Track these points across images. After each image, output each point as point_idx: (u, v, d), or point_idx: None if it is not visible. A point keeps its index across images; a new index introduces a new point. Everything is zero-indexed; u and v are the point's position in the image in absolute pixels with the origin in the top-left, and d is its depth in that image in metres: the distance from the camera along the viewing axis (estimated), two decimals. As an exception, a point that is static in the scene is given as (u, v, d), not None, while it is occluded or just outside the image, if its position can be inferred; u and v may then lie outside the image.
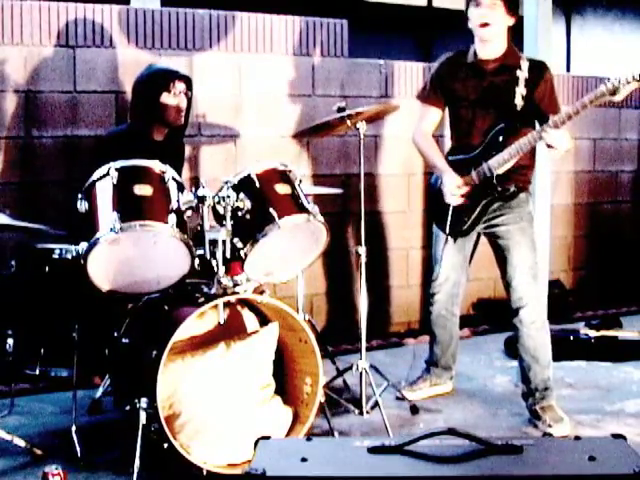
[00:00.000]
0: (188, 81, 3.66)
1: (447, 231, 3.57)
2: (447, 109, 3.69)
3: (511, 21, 3.46)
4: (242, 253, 2.97)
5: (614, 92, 3.18)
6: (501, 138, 3.44)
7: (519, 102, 3.44)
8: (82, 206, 2.90)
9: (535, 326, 3.52)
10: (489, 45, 3.48)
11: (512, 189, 3.50)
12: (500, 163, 3.42)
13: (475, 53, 3.53)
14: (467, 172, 3.50)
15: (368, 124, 3.55)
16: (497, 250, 3.61)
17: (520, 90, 3.43)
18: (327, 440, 2.79)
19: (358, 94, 4.89)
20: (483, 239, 3.72)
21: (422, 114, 3.71)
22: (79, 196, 2.91)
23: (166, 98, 3.56)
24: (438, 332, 3.87)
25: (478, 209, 3.51)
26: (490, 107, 3.50)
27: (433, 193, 3.66)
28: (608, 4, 10.57)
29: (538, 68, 3.48)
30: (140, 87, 3.63)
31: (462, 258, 3.73)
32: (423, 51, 9.01)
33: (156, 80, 3.59)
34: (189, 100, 3.67)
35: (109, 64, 4.18)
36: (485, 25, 3.41)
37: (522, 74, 3.44)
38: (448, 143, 3.85)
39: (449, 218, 3.52)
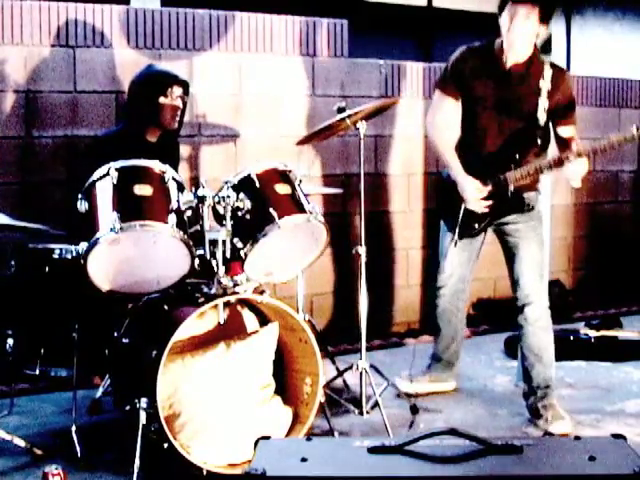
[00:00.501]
0: (186, 86, 3.66)
1: (456, 234, 3.57)
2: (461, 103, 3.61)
3: (542, 29, 3.41)
4: (242, 253, 2.97)
5: None
6: (518, 154, 3.42)
7: (542, 116, 3.41)
8: (82, 206, 2.90)
9: (540, 324, 3.52)
10: (516, 51, 3.43)
11: (525, 207, 3.49)
12: (518, 179, 3.41)
13: (500, 54, 3.47)
14: (479, 177, 3.48)
15: (368, 123, 3.54)
16: (506, 247, 3.61)
17: (543, 103, 3.40)
18: (327, 440, 2.78)
19: (358, 94, 4.89)
20: (489, 238, 3.72)
21: (439, 104, 3.62)
22: (79, 196, 2.91)
23: (163, 101, 3.55)
24: (443, 326, 3.88)
25: (489, 218, 3.52)
26: (510, 116, 3.45)
27: (445, 189, 3.64)
28: (608, 4, 10.55)
29: (560, 78, 3.45)
30: (137, 88, 3.62)
31: (468, 255, 3.73)
32: (423, 51, 8.99)
33: (154, 83, 3.59)
34: (184, 104, 3.67)
35: (109, 64, 4.18)
36: (517, 34, 3.37)
37: (545, 84, 3.40)
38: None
39: (459, 221, 3.53)
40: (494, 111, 3.48)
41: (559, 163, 3.33)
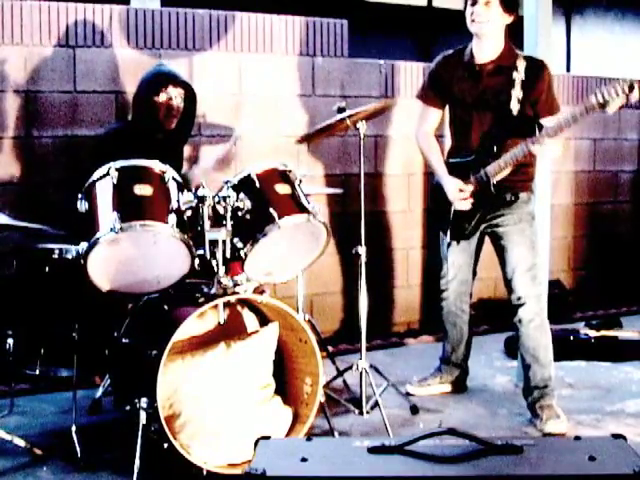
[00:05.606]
0: (186, 87, 3.63)
1: (449, 236, 3.59)
2: (447, 108, 3.70)
3: (509, 19, 3.45)
4: (242, 253, 2.97)
5: (604, 105, 3.14)
6: (496, 146, 3.44)
7: (515, 106, 3.43)
8: (82, 206, 2.90)
9: (533, 325, 3.52)
10: (485, 43, 3.47)
11: (509, 197, 3.50)
12: (496, 171, 3.43)
13: (472, 53, 3.53)
14: (465, 176, 3.51)
15: (368, 123, 3.54)
16: (497, 250, 3.63)
17: (516, 93, 3.42)
18: (327, 440, 2.79)
19: (358, 94, 4.89)
20: (488, 238, 3.73)
21: (422, 114, 3.74)
22: (79, 196, 2.91)
23: (158, 100, 3.53)
24: (449, 328, 3.91)
25: (478, 215, 3.53)
26: (486, 110, 3.49)
27: (434, 196, 3.68)
28: (608, 4, 10.57)
29: (535, 68, 3.46)
30: (139, 86, 3.63)
31: (467, 257, 3.75)
32: (423, 51, 9.02)
33: (151, 81, 3.57)
34: (188, 106, 3.65)
35: (109, 64, 4.18)
36: (480, 22, 3.41)
37: (518, 76, 3.43)
38: (448, 142, 3.85)
39: (450, 224, 3.55)
40: (472, 108, 3.53)
41: (531, 146, 3.32)
